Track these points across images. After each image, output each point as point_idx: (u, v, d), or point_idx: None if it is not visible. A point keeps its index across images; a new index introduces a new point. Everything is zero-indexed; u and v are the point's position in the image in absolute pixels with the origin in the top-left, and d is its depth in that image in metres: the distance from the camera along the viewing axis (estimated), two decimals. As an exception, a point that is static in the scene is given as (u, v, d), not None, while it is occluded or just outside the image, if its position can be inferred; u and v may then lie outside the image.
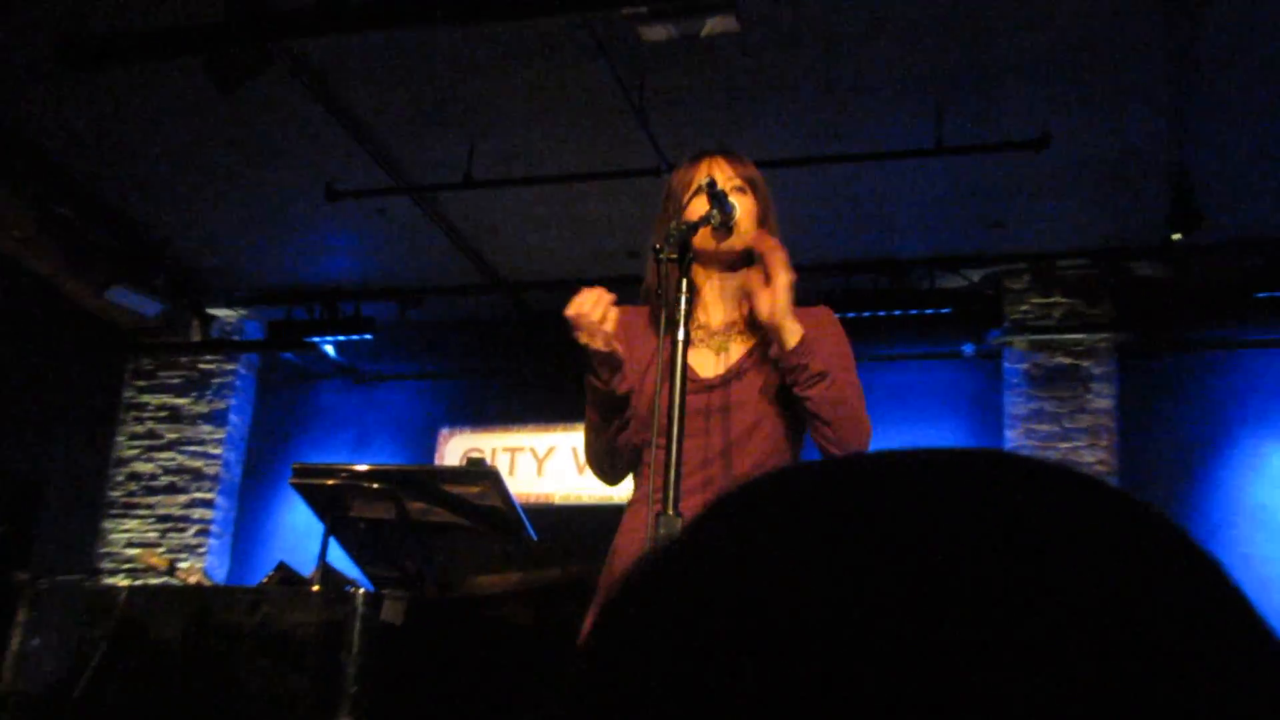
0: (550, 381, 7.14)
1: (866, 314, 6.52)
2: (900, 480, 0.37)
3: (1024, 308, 6.71)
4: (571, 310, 1.76)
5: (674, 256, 1.74)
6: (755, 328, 1.92)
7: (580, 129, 5.47)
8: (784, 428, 1.91)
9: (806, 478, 0.39)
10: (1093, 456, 6.31)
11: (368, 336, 7.10)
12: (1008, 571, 0.33)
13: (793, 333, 1.82)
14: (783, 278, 1.82)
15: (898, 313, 6.50)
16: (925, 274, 6.72)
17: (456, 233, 6.64)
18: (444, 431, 7.60)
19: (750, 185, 1.97)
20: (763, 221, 1.96)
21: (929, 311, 6.50)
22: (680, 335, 1.67)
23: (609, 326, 1.75)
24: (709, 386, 1.90)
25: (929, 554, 0.34)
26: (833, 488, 0.38)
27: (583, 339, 1.78)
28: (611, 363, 1.82)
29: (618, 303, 1.81)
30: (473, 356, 7.73)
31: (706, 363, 1.94)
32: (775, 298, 1.81)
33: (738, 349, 1.94)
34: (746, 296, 1.91)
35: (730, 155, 2.00)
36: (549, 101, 5.24)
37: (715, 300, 1.97)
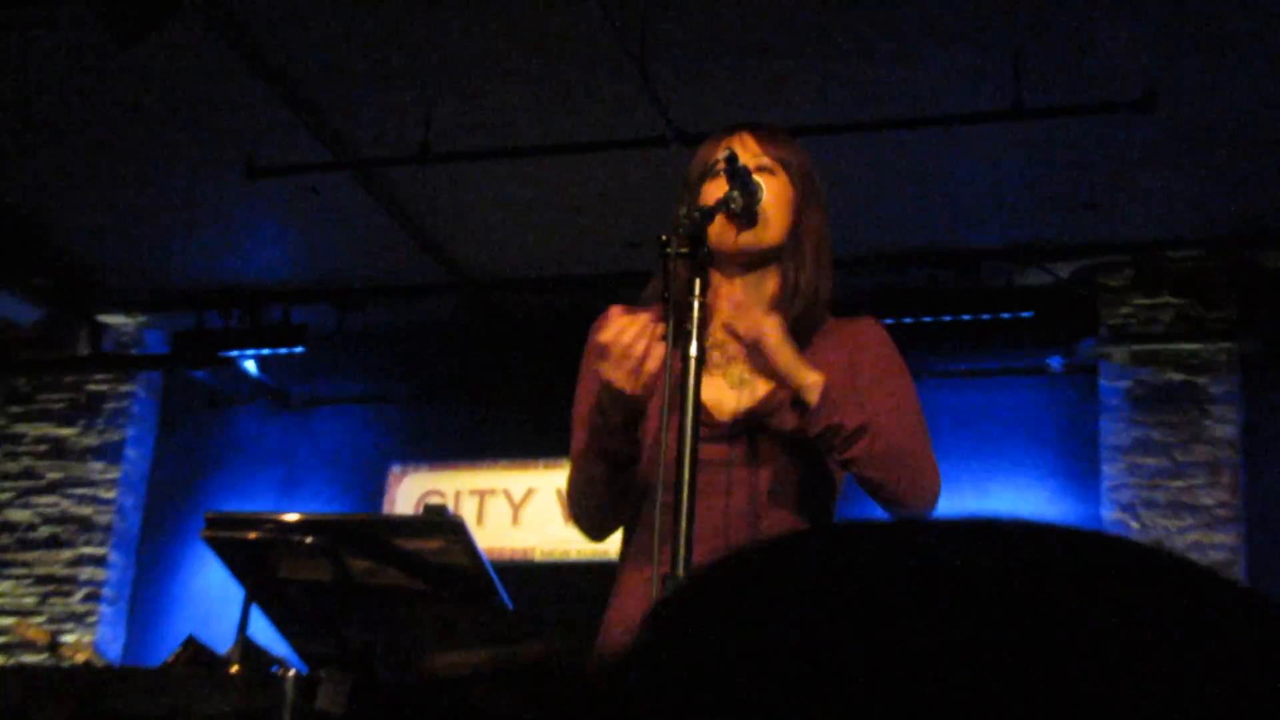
0: (529, 406, 7.15)
1: (927, 320, 6.58)
2: (960, 567, 0.38)
3: (1125, 311, 6.80)
4: (609, 335, 1.79)
5: (684, 250, 1.77)
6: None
7: (566, 88, 5.55)
8: (828, 483, 1.96)
9: (849, 550, 0.40)
10: (1211, 498, 6.36)
11: (299, 350, 7.17)
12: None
13: (809, 387, 1.85)
14: (766, 335, 1.85)
15: (966, 318, 6.56)
16: (1000, 269, 6.76)
17: (410, 219, 6.73)
18: (395, 470, 7.69)
19: (783, 166, 2.01)
20: (799, 214, 1.99)
21: (1005, 316, 6.54)
22: (693, 350, 1.72)
23: (651, 365, 1.78)
24: (729, 433, 1.93)
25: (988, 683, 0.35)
26: (879, 568, 0.40)
27: (610, 374, 1.81)
28: (637, 413, 1.86)
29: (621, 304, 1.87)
30: (431, 374, 7.81)
31: (723, 397, 1.98)
32: (770, 354, 1.85)
33: (764, 381, 1.96)
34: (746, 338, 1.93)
35: (760, 130, 2.04)
36: (526, 53, 5.31)
37: (737, 311, 1.99)
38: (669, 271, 1.76)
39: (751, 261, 2.00)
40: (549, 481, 7.38)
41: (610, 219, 6.53)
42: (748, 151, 2.01)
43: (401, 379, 7.89)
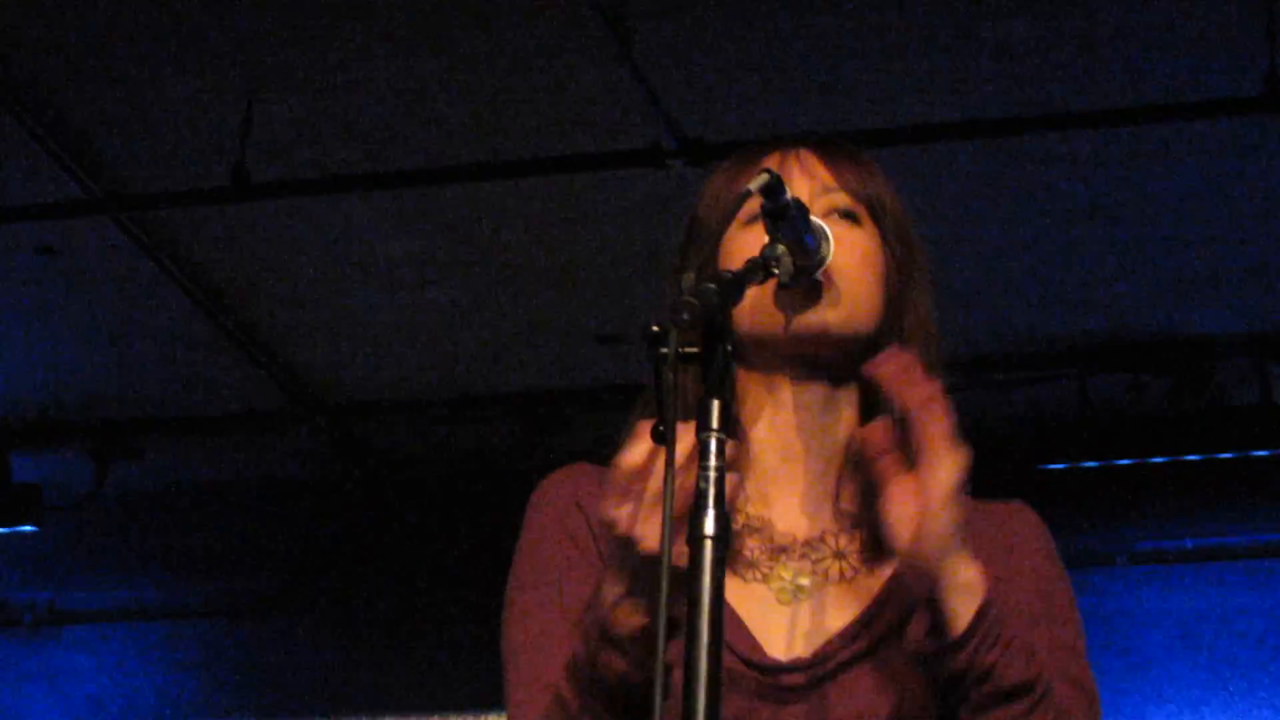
0: (434, 624, 6.48)
1: (1121, 463, 5.72)
2: None
3: None
4: (634, 458, 1.51)
5: (691, 349, 1.48)
6: (881, 549, 1.66)
7: (504, 72, 5.01)
8: None
9: None
10: None
11: (28, 529, 6.41)
12: None
13: (965, 593, 1.56)
14: (947, 470, 1.55)
15: (1192, 458, 5.70)
16: (1248, 369, 5.89)
17: (221, 298, 5.96)
18: None
19: (869, 209, 1.74)
20: (895, 287, 1.74)
21: (1261, 454, 5.69)
22: (708, 523, 1.43)
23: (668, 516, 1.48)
24: (787, 689, 1.64)
25: None
26: None
27: (626, 529, 1.49)
28: (641, 614, 1.54)
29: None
30: (262, 569, 6.95)
31: (772, 622, 1.69)
32: (930, 513, 1.55)
33: (840, 600, 1.68)
34: (865, 478, 1.69)
35: (829, 147, 1.78)
36: (431, 13, 4.81)
37: (786, 464, 1.73)
38: (666, 387, 1.46)
39: (818, 360, 1.70)
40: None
41: (570, 292, 5.82)
42: (808, 180, 1.73)
43: (205, 578, 6.97)
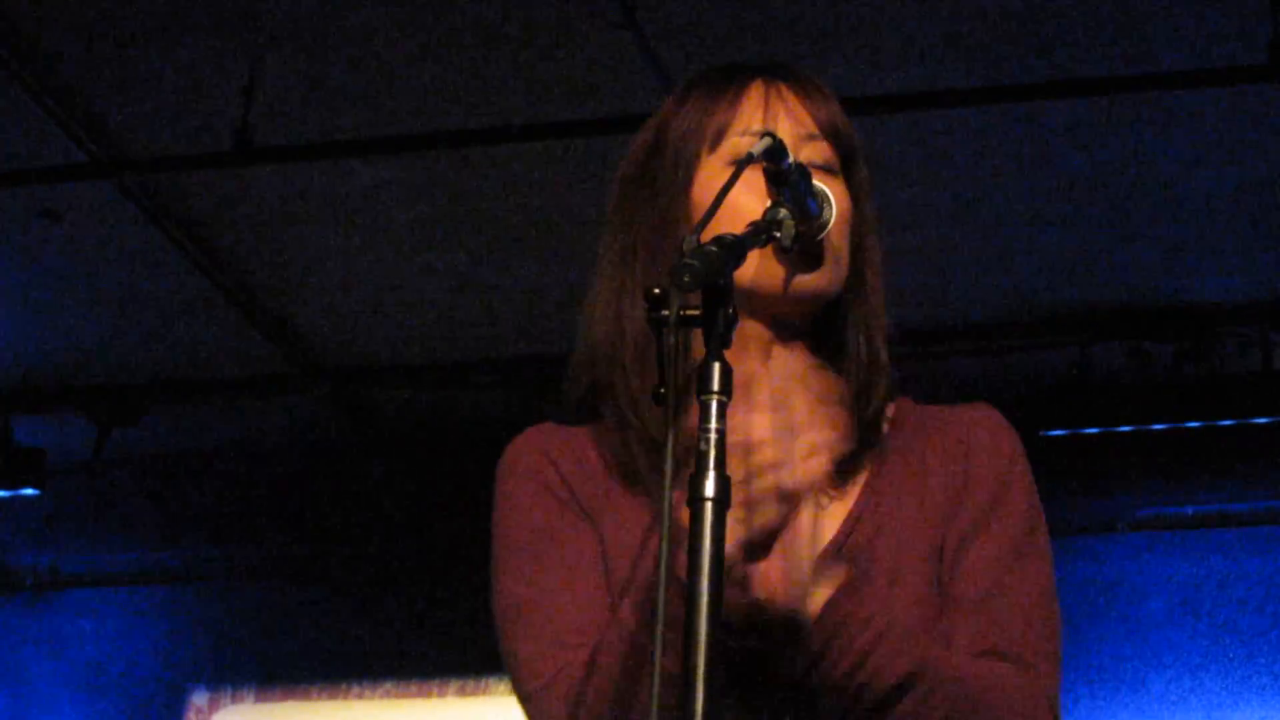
0: (429, 588, 6.52)
1: (1122, 430, 5.74)
2: None
3: None
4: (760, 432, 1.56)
5: (692, 312, 1.50)
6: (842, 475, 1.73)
7: (508, 38, 5.02)
8: None
9: None
10: None
11: (30, 492, 6.43)
12: None
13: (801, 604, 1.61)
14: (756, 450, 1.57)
15: (1193, 425, 5.73)
16: (1250, 337, 5.89)
17: (223, 263, 5.97)
18: (198, 700, 6.79)
19: (844, 159, 1.76)
20: (859, 237, 1.78)
21: (1262, 421, 5.70)
22: (708, 487, 1.45)
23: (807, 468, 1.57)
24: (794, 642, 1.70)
25: None
26: None
27: (747, 515, 1.52)
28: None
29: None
30: (260, 535, 6.96)
31: (774, 574, 1.67)
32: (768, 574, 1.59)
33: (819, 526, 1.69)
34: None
35: (807, 86, 1.78)
36: None
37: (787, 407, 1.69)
38: (665, 352, 1.49)
39: (802, 322, 1.76)
40: (468, 720, 6.55)
41: (569, 257, 5.59)
42: (793, 124, 1.73)
43: (207, 542, 6.99)
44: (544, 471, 1.74)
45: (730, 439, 1.61)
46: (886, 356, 1.79)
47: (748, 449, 1.59)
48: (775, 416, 1.60)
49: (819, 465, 1.56)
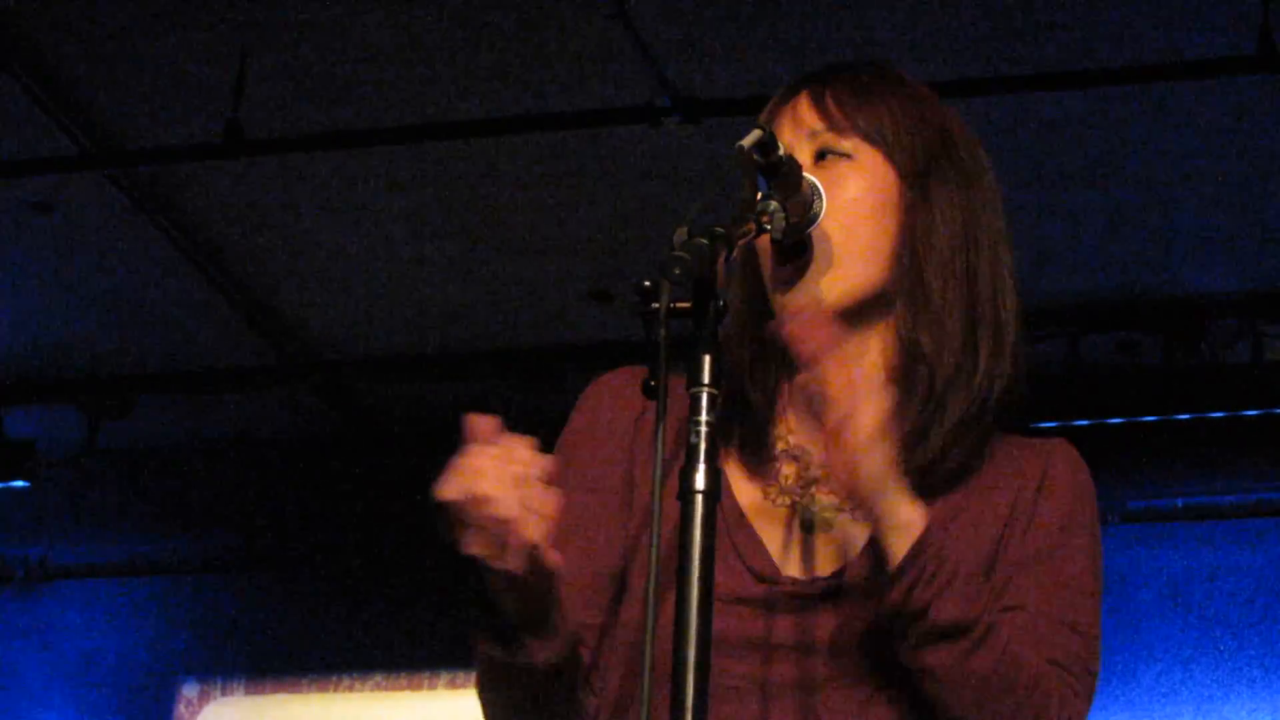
0: (420, 580, 6.31)
1: (1113, 421, 5.78)
2: None
3: None
4: (456, 490, 1.49)
5: (683, 305, 1.53)
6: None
7: (499, 29, 5.03)
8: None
9: None
10: None
11: (20, 484, 6.51)
12: None
13: (901, 531, 1.59)
14: (867, 414, 1.56)
15: (1181, 417, 5.78)
16: (1241, 329, 5.91)
17: (214, 255, 6.00)
18: (189, 692, 6.78)
19: (869, 139, 1.73)
20: (913, 228, 1.73)
21: (1252, 414, 5.75)
22: (699, 478, 1.48)
23: (529, 533, 1.47)
24: (797, 598, 1.70)
25: None
26: None
27: (475, 549, 1.50)
28: (533, 600, 1.57)
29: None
30: (250, 526, 6.99)
31: (791, 546, 1.74)
32: (857, 457, 1.58)
33: (862, 532, 1.68)
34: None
35: (838, 81, 1.75)
36: None
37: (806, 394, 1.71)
38: (658, 342, 1.49)
39: (864, 322, 1.80)
40: (447, 710, 6.56)
41: (561, 248, 5.87)
42: (794, 127, 1.73)
43: (197, 534, 7.02)
44: (603, 412, 1.76)
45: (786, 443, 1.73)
46: (981, 365, 1.73)
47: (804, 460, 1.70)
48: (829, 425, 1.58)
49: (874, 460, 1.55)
